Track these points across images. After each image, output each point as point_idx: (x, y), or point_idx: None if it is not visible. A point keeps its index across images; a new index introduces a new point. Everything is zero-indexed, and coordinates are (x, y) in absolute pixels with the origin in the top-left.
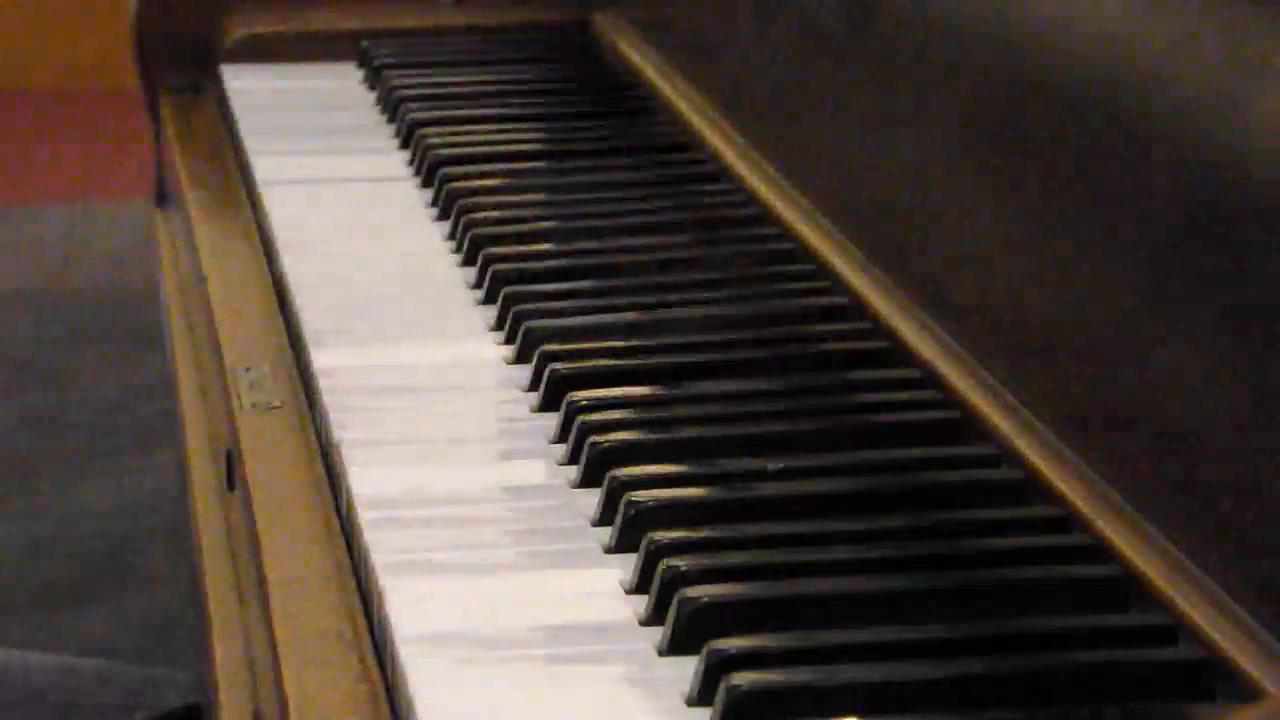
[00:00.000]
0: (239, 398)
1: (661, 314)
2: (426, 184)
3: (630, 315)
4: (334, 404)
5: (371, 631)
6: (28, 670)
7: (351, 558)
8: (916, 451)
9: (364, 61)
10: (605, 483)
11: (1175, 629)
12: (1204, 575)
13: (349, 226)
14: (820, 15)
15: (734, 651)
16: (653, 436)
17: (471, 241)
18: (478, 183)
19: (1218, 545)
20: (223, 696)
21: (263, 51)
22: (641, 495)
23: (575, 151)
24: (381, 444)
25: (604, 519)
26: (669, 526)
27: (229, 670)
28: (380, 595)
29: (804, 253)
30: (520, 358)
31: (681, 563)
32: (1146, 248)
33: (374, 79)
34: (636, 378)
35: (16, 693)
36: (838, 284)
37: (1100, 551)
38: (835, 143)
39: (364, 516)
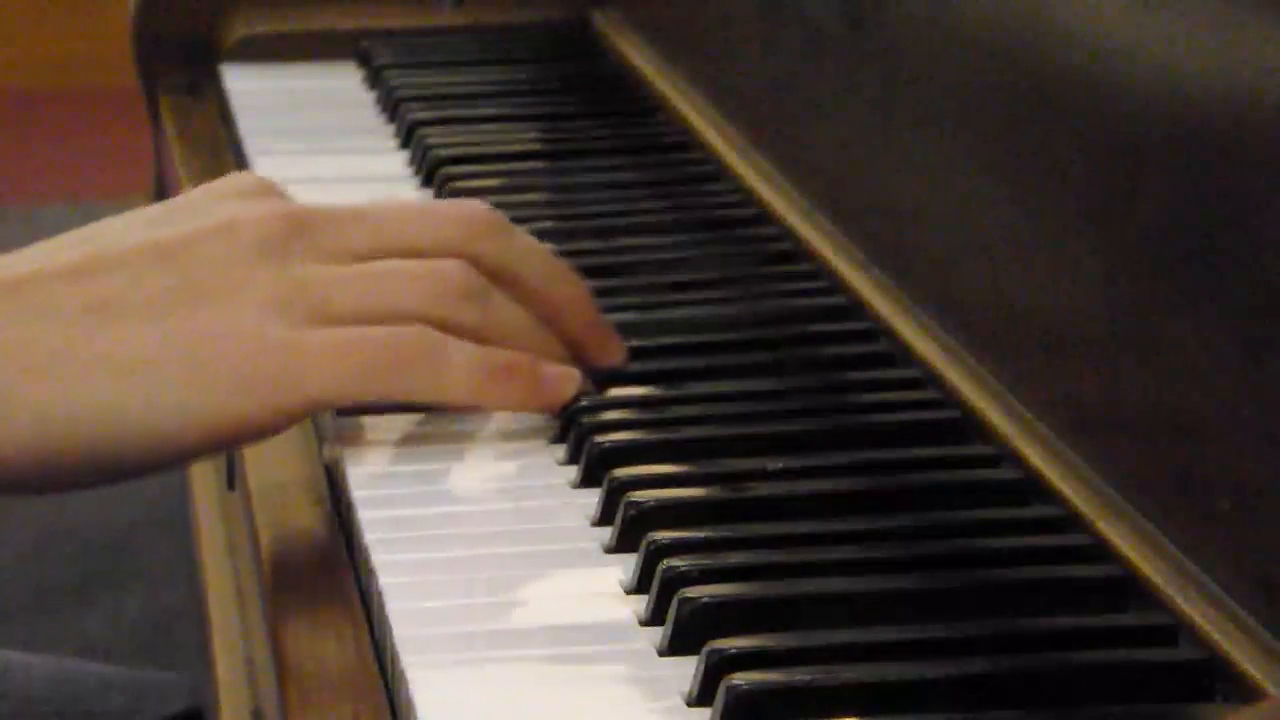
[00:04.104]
0: None
1: (661, 314)
2: (426, 184)
3: (630, 315)
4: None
5: (371, 631)
6: (29, 675)
7: (351, 558)
8: (916, 451)
9: (364, 61)
10: (605, 483)
11: (1175, 629)
12: (1204, 575)
13: None
14: (821, 15)
15: (734, 651)
16: (653, 436)
17: None
18: (478, 183)
19: (1218, 545)
20: (222, 697)
21: (263, 51)
22: (641, 495)
23: (575, 151)
24: (381, 443)
25: (604, 519)
26: (669, 526)
27: (228, 671)
28: (380, 595)
29: (804, 253)
30: None
31: (681, 563)
32: (1147, 248)
33: (374, 79)
34: (636, 378)
35: (16, 699)
36: (838, 284)
37: (1100, 551)
38: (835, 142)
39: (364, 516)
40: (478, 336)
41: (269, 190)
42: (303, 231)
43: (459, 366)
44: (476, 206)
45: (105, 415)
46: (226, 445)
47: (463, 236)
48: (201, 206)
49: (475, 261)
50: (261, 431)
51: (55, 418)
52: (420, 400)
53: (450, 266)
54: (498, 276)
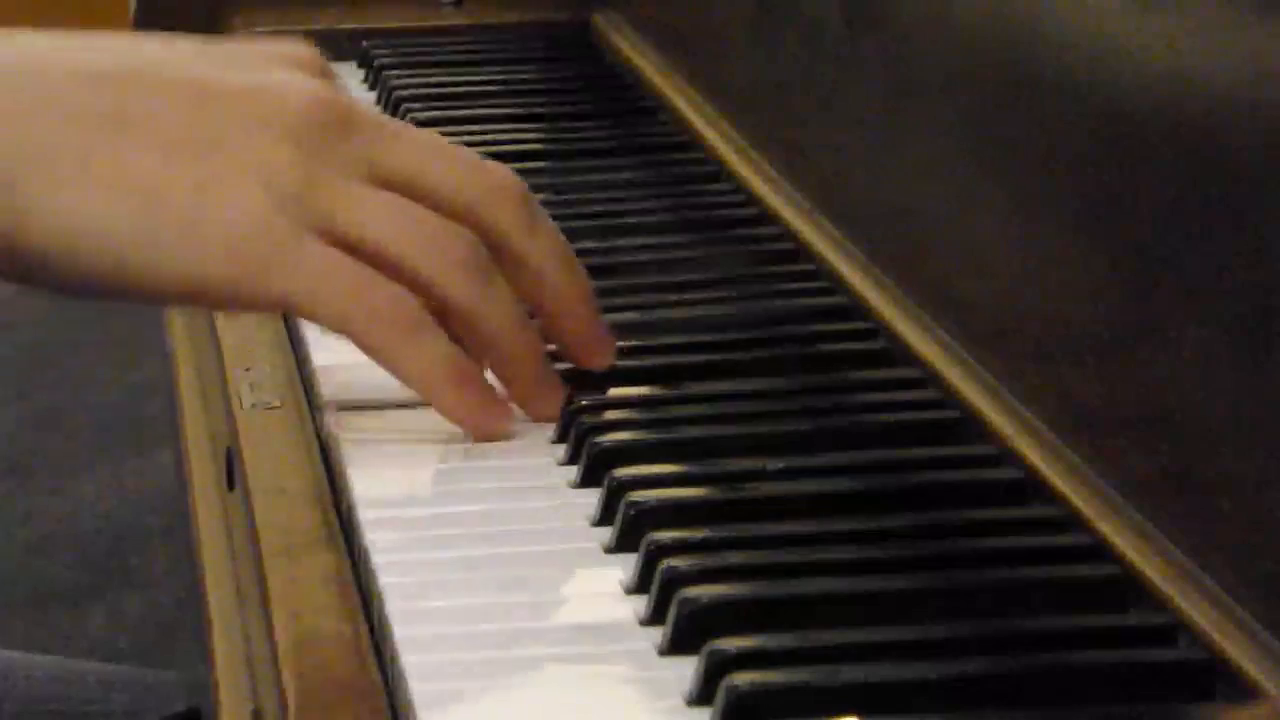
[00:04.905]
0: (239, 397)
1: (661, 314)
2: None
3: (630, 315)
4: (334, 403)
5: (372, 631)
6: (30, 675)
7: (351, 558)
8: (916, 451)
9: (364, 61)
10: (605, 483)
11: (1175, 629)
12: (1204, 575)
13: None
14: (821, 14)
15: (734, 651)
16: (653, 436)
17: None
18: None
19: (1218, 545)
20: (222, 697)
21: None
22: (641, 495)
23: (575, 151)
24: (381, 444)
25: (604, 519)
26: (669, 526)
27: (228, 670)
28: (380, 595)
29: (804, 253)
30: None
31: (681, 563)
32: (1147, 247)
33: (374, 79)
34: (636, 378)
35: (17, 700)
36: (838, 284)
37: (1100, 551)
38: (836, 143)
39: (364, 516)
40: (462, 310)
41: (325, 72)
42: (343, 128)
43: (423, 353)
44: (511, 175)
45: (95, 229)
46: (192, 301)
47: (489, 195)
48: (257, 63)
49: (492, 225)
50: (229, 303)
51: (55, 219)
52: (378, 362)
53: (464, 235)
54: (507, 247)
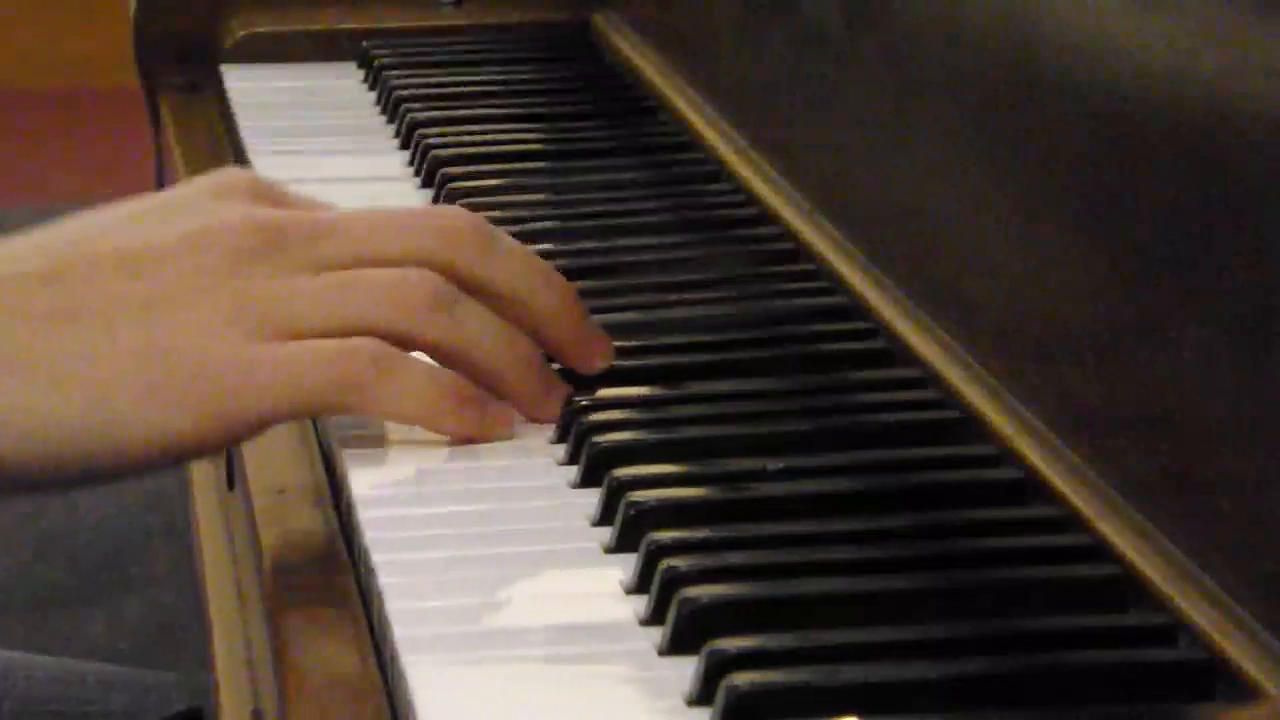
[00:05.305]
0: None
1: (661, 314)
2: (426, 184)
3: (630, 315)
4: None
5: (371, 631)
6: (30, 675)
7: (351, 558)
8: (916, 451)
9: (364, 61)
10: (605, 483)
11: (1175, 629)
12: (1204, 575)
13: None
14: (820, 14)
15: (734, 651)
16: (653, 436)
17: None
18: (478, 183)
19: (1218, 545)
20: (222, 697)
21: (263, 51)
22: (641, 495)
23: (575, 151)
24: (382, 444)
25: (604, 519)
26: (669, 526)
27: (229, 671)
28: (380, 595)
29: (804, 253)
30: None
31: (681, 563)
32: (1147, 247)
33: (374, 79)
34: (637, 378)
35: (17, 700)
36: (838, 284)
37: (1100, 551)
38: (835, 142)
39: (364, 516)
40: (442, 348)
41: (253, 191)
42: (275, 243)
43: (408, 385)
44: (456, 214)
45: (52, 424)
46: (178, 460)
47: (438, 245)
48: (180, 209)
49: (450, 271)
50: (214, 448)
51: (11, 422)
52: (370, 415)
53: (415, 276)
54: (474, 286)
